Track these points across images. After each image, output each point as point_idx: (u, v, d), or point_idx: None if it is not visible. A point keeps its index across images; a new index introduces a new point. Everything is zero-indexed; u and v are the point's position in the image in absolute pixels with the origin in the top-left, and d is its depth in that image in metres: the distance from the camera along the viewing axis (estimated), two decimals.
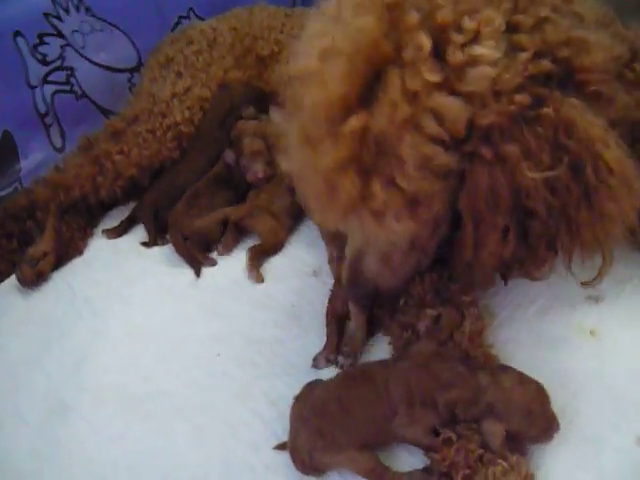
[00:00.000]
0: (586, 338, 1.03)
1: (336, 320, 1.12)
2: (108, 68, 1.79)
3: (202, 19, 1.86)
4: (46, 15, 1.64)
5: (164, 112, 1.56)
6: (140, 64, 1.81)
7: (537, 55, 0.74)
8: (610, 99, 0.78)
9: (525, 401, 0.89)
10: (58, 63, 1.70)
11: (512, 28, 0.74)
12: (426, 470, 0.91)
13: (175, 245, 1.41)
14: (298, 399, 0.99)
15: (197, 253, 1.40)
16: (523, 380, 0.91)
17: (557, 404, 0.92)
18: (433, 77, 0.70)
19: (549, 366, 0.98)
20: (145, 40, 1.79)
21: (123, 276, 1.42)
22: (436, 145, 0.72)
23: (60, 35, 1.68)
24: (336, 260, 1.16)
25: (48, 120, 1.72)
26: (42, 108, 1.70)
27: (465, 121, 0.72)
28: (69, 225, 1.51)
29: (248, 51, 1.69)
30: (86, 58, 1.74)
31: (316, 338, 1.13)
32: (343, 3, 0.78)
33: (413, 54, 0.70)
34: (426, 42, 0.70)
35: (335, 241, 1.16)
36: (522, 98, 0.73)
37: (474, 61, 0.71)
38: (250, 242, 1.43)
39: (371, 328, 1.11)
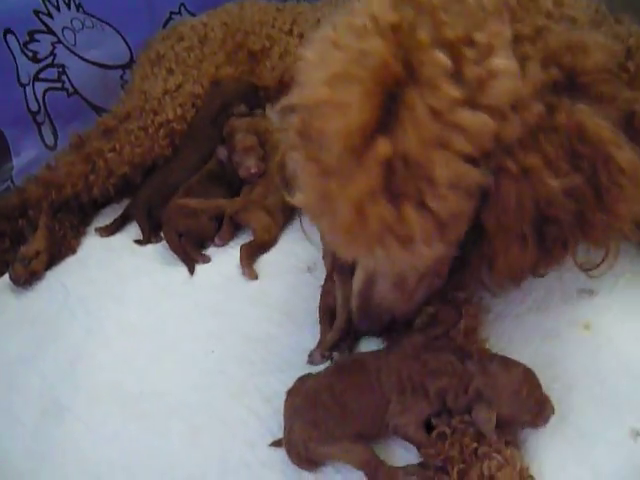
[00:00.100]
0: (580, 332, 1.04)
1: (329, 316, 1.12)
2: (100, 65, 1.79)
3: (193, 14, 1.85)
4: (36, 12, 1.63)
5: (156, 109, 1.55)
6: (132, 60, 1.81)
7: (543, 63, 0.74)
8: (613, 97, 0.78)
9: (512, 385, 0.89)
10: (49, 60, 1.70)
11: (515, 38, 0.74)
12: (422, 465, 0.91)
13: (169, 242, 1.41)
14: (290, 393, 0.99)
15: (191, 250, 1.40)
16: (509, 364, 0.92)
17: (551, 398, 0.92)
18: (455, 93, 0.68)
19: (543, 360, 0.98)
20: (137, 36, 1.78)
21: (117, 274, 1.42)
22: (466, 162, 0.71)
23: (51, 32, 1.67)
24: (330, 255, 1.15)
25: (40, 118, 1.72)
26: (33, 106, 1.70)
27: (491, 135, 0.71)
28: (62, 223, 1.51)
29: (239, 46, 1.69)
30: (77, 55, 1.74)
31: (310, 334, 1.13)
32: (339, 28, 0.76)
33: (431, 72, 0.69)
34: (444, 59, 0.68)
35: None
36: (538, 108, 0.73)
37: (494, 74, 0.70)
38: (243, 237, 1.43)
39: None
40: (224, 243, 1.42)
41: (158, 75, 1.62)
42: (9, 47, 1.60)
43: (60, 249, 1.48)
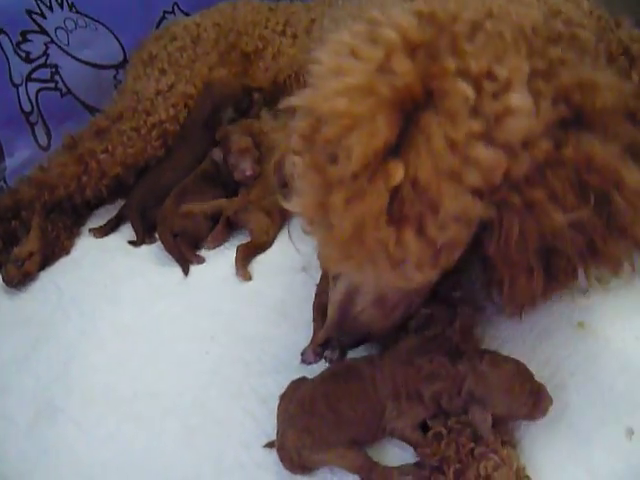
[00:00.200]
0: (575, 331, 1.04)
1: (323, 314, 1.11)
2: (93, 65, 1.78)
3: (187, 14, 1.84)
4: (29, 12, 1.62)
5: (148, 110, 1.54)
6: (125, 60, 1.79)
7: (554, 100, 0.74)
8: (618, 135, 0.78)
9: (502, 382, 0.89)
10: (42, 60, 1.69)
11: (531, 73, 0.73)
12: (418, 465, 0.91)
13: (164, 242, 1.40)
14: (283, 397, 0.99)
15: (186, 251, 1.40)
16: (499, 362, 0.91)
17: None
18: (473, 126, 0.68)
19: (538, 359, 0.99)
20: (130, 36, 1.77)
21: (111, 275, 1.41)
22: (474, 196, 0.71)
23: (44, 32, 1.66)
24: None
25: (33, 118, 1.71)
26: (27, 106, 1.69)
27: (502, 171, 0.71)
28: (55, 224, 1.50)
29: (232, 47, 1.68)
30: (70, 55, 1.73)
31: (306, 335, 1.12)
32: (359, 37, 0.75)
33: (453, 102, 0.68)
34: (468, 90, 0.68)
35: None
36: (546, 144, 0.73)
37: (510, 111, 0.69)
38: (239, 238, 1.43)
39: None
40: (216, 245, 1.42)
41: (150, 75, 1.61)
42: (2, 47, 1.60)
43: (53, 250, 1.48)
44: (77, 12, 1.69)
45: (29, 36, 1.64)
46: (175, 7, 1.85)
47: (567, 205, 0.75)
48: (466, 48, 0.71)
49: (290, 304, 1.22)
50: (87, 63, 1.76)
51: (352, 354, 1.06)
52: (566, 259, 0.80)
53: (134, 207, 1.50)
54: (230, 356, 1.16)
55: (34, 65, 1.67)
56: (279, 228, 1.41)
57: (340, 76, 0.72)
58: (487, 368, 0.90)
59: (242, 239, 1.40)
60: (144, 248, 1.46)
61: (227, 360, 1.16)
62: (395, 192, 0.69)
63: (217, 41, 1.67)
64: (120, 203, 1.58)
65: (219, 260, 1.40)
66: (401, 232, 0.70)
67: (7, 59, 1.62)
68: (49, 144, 1.75)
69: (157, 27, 1.82)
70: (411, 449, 0.93)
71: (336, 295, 1.00)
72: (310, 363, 1.08)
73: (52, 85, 1.72)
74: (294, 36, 1.66)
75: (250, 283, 1.31)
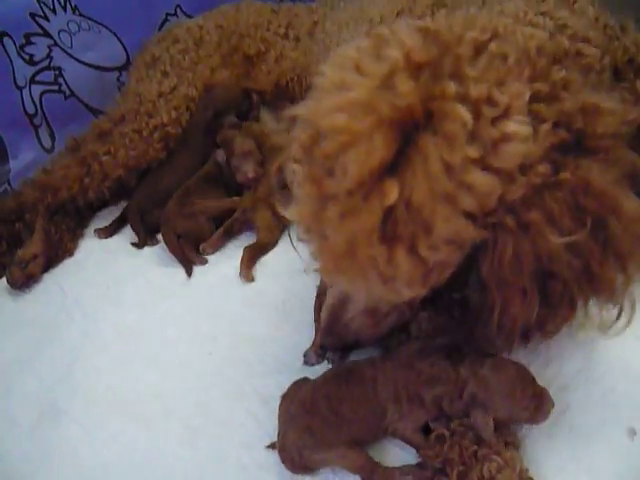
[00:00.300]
0: (576, 332, 1.03)
1: None
2: (96, 67, 1.78)
3: (190, 16, 1.85)
4: (32, 15, 1.62)
5: (150, 112, 1.55)
6: (128, 62, 1.80)
7: (555, 125, 0.74)
8: (617, 161, 0.78)
9: (504, 387, 0.89)
10: (45, 63, 1.69)
11: (533, 97, 0.74)
12: (420, 466, 0.92)
13: (168, 244, 1.41)
14: (285, 398, 0.99)
15: (189, 252, 1.40)
16: (500, 365, 0.91)
17: None
18: (470, 152, 0.68)
19: (539, 360, 0.99)
20: (133, 38, 1.78)
21: (114, 277, 1.42)
22: (467, 219, 0.71)
23: (47, 35, 1.66)
24: None
25: (36, 120, 1.71)
26: (30, 109, 1.69)
27: (497, 197, 0.71)
28: (58, 226, 1.51)
29: (235, 50, 1.69)
30: (74, 57, 1.73)
31: (308, 336, 1.13)
32: (364, 53, 0.75)
33: (451, 127, 0.68)
34: (466, 116, 0.68)
35: None
36: (544, 168, 0.73)
37: (507, 137, 0.70)
38: (241, 239, 1.44)
39: None
40: (214, 251, 1.42)
41: (153, 78, 1.62)
42: (5, 50, 1.60)
43: (57, 252, 1.48)
44: (80, 15, 1.69)
45: (33, 39, 1.64)
46: (178, 9, 1.86)
47: (564, 228, 0.75)
48: (468, 72, 0.71)
49: (292, 305, 1.22)
50: (90, 65, 1.76)
51: (354, 356, 1.06)
52: (563, 284, 0.80)
53: (134, 210, 1.51)
54: (232, 357, 1.16)
55: (38, 68, 1.68)
56: (283, 228, 1.41)
57: (342, 90, 0.72)
58: (489, 372, 0.90)
59: (243, 242, 1.41)
60: (147, 250, 1.47)
61: (229, 361, 1.16)
62: (389, 211, 0.69)
63: (220, 43, 1.67)
64: (123, 205, 1.59)
65: (222, 262, 1.40)
66: (393, 251, 0.70)
67: (11, 62, 1.62)
68: (53, 146, 1.75)
69: (159, 29, 1.83)
70: (413, 450, 0.94)
71: (329, 300, 1.01)
72: (312, 364, 1.08)
73: (56, 87, 1.73)
74: (296, 39, 1.66)
75: (252, 284, 1.31)
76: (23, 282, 1.40)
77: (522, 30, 0.82)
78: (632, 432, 0.91)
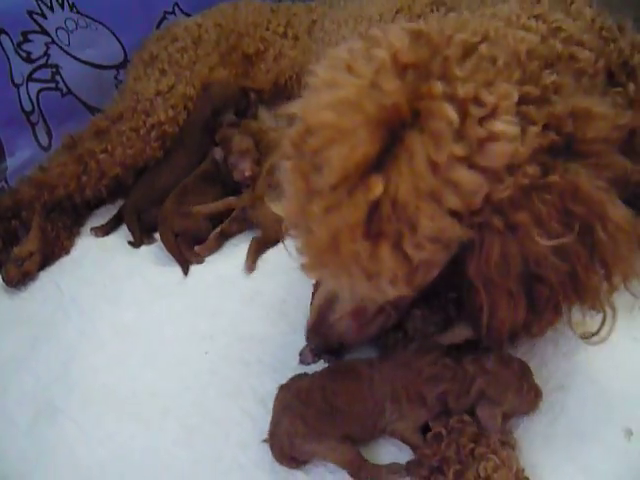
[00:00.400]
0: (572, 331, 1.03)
1: None
2: (94, 65, 1.78)
3: (188, 15, 1.84)
4: (30, 13, 1.62)
5: (148, 111, 1.55)
6: (126, 60, 1.79)
7: (545, 127, 0.74)
8: (608, 165, 0.79)
9: (513, 380, 0.91)
10: (43, 61, 1.69)
11: (522, 99, 0.74)
12: (413, 463, 0.92)
13: (165, 242, 1.40)
14: (282, 388, 0.99)
15: (185, 250, 1.40)
16: (506, 360, 0.93)
17: (544, 398, 0.93)
18: (456, 150, 0.68)
19: (536, 360, 0.99)
20: (131, 36, 1.77)
21: (111, 275, 1.42)
22: (452, 217, 0.71)
23: (45, 33, 1.66)
24: None
25: (34, 118, 1.71)
26: (27, 106, 1.69)
27: (483, 196, 0.71)
28: (55, 224, 1.51)
29: (233, 48, 1.68)
30: (71, 55, 1.73)
31: (304, 334, 1.13)
32: (356, 54, 0.76)
33: (437, 125, 0.68)
34: (452, 114, 0.68)
35: None
36: (532, 170, 0.73)
37: (494, 137, 0.70)
38: (239, 237, 1.44)
39: None
40: (207, 254, 1.42)
41: (151, 76, 1.61)
42: (3, 47, 1.60)
43: (53, 250, 1.48)
44: (78, 12, 1.69)
45: (30, 36, 1.64)
46: (176, 7, 1.85)
47: (551, 231, 0.75)
48: (456, 72, 0.72)
49: (289, 304, 1.22)
50: (88, 63, 1.76)
51: (351, 356, 1.06)
52: (549, 288, 0.80)
53: (130, 209, 1.51)
54: (229, 356, 1.16)
55: (35, 65, 1.68)
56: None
57: (333, 89, 0.73)
58: (496, 367, 0.91)
59: (240, 241, 1.41)
60: (144, 248, 1.47)
61: (226, 360, 1.16)
62: (374, 207, 0.69)
63: (218, 42, 1.67)
64: (120, 203, 1.59)
65: (219, 261, 1.40)
66: (377, 247, 0.71)
67: (8, 59, 1.62)
68: (50, 144, 1.75)
69: (158, 27, 1.82)
70: (408, 449, 0.94)
71: (316, 300, 1.01)
72: (308, 363, 1.08)
73: (53, 85, 1.73)
74: (295, 37, 1.66)
75: (249, 283, 1.31)
76: (19, 280, 1.40)
77: (513, 33, 0.82)
78: (629, 432, 0.91)
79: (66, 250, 1.51)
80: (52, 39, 1.68)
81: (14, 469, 1.08)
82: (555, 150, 0.75)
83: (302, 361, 1.09)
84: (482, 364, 0.91)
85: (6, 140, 1.67)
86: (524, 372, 0.93)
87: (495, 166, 0.70)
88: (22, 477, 1.06)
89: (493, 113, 0.71)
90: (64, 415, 1.13)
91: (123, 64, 1.80)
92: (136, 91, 1.59)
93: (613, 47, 0.94)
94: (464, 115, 0.69)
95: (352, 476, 0.92)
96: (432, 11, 1.24)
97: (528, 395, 0.91)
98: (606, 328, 0.84)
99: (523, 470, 0.88)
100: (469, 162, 0.69)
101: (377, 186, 0.68)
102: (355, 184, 0.69)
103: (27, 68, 1.66)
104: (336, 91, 0.72)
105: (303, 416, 0.93)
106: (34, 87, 1.69)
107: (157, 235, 1.45)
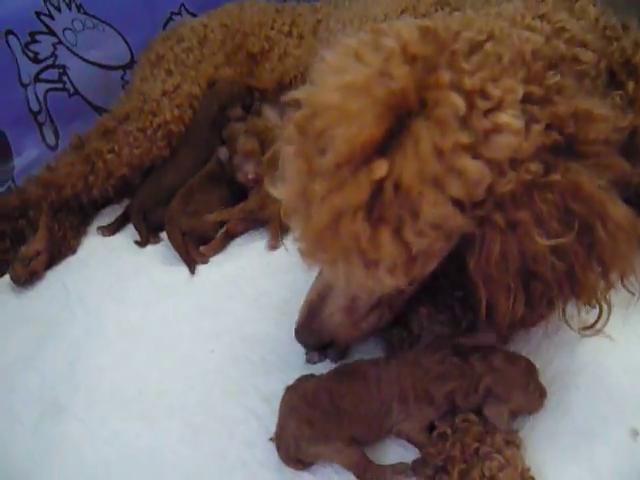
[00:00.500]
0: (579, 331, 1.03)
1: None
2: (101, 65, 1.78)
3: (194, 15, 1.86)
4: (37, 14, 1.63)
5: (154, 111, 1.55)
6: (133, 61, 1.81)
7: (547, 127, 0.75)
8: (608, 167, 0.79)
9: (520, 379, 0.91)
10: (50, 61, 1.70)
11: (526, 98, 0.74)
12: (419, 463, 0.92)
13: (173, 241, 1.40)
14: (289, 389, 0.99)
15: (191, 250, 1.40)
16: (513, 358, 0.93)
17: (549, 397, 0.93)
18: (464, 138, 0.69)
19: (542, 359, 0.98)
20: (137, 37, 1.79)
21: (117, 274, 1.42)
22: (455, 206, 0.71)
23: (52, 33, 1.67)
24: None
25: (41, 118, 1.72)
26: (35, 106, 1.70)
27: (486, 186, 0.72)
28: (62, 224, 1.51)
29: (239, 48, 1.69)
30: (78, 56, 1.74)
31: None
32: (364, 44, 0.76)
33: (444, 112, 0.69)
34: (461, 104, 0.69)
35: None
36: (535, 167, 0.73)
37: (499, 129, 0.71)
38: (244, 237, 1.44)
39: None
40: (212, 254, 1.42)
41: (157, 76, 1.62)
42: (10, 48, 1.61)
43: (60, 249, 1.49)
44: (85, 13, 1.70)
45: (37, 37, 1.65)
46: (182, 8, 1.87)
47: (551, 230, 0.75)
48: (463, 65, 0.72)
49: (294, 304, 1.20)
50: (95, 64, 1.77)
51: (358, 356, 1.06)
52: (545, 285, 0.80)
53: (137, 208, 1.51)
54: (234, 355, 1.16)
55: (42, 66, 1.68)
56: None
57: (340, 74, 0.74)
58: (504, 365, 0.91)
59: (246, 241, 1.42)
60: (150, 248, 1.47)
61: (231, 359, 1.16)
62: (377, 190, 0.69)
63: (224, 42, 1.68)
64: (126, 202, 1.60)
65: (225, 260, 1.40)
66: (377, 231, 0.70)
67: (16, 60, 1.62)
68: (57, 144, 1.75)
69: (164, 28, 1.84)
70: (414, 448, 0.94)
71: (309, 296, 1.01)
72: (314, 362, 1.08)
73: (60, 85, 1.73)
74: (300, 37, 1.67)
75: (254, 283, 1.31)
76: (26, 279, 1.41)
77: (518, 33, 0.83)
78: (635, 432, 0.91)
79: (73, 249, 1.51)
80: (59, 40, 1.69)
81: (20, 468, 1.08)
82: (557, 150, 0.76)
83: (308, 360, 1.09)
84: (489, 362, 0.91)
85: (13, 140, 1.67)
86: (530, 370, 0.93)
87: (499, 158, 0.71)
88: (28, 476, 1.06)
89: (498, 106, 0.71)
90: (70, 414, 1.13)
91: (130, 64, 1.81)
92: (143, 91, 1.60)
93: (616, 46, 0.95)
94: (470, 107, 0.70)
95: (358, 478, 0.92)
96: (437, 11, 1.24)
97: (534, 394, 0.91)
98: (601, 322, 0.85)
99: (528, 469, 0.88)
100: (474, 152, 0.70)
101: (381, 167, 0.68)
102: (359, 165, 0.69)
103: (34, 68, 1.67)
104: (344, 76, 0.73)
105: (309, 419, 0.93)
106: (41, 87, 1.70)
107: (163, 234, 1.46)
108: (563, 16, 0.91)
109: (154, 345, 1.23)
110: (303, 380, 1.00)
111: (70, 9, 1.68)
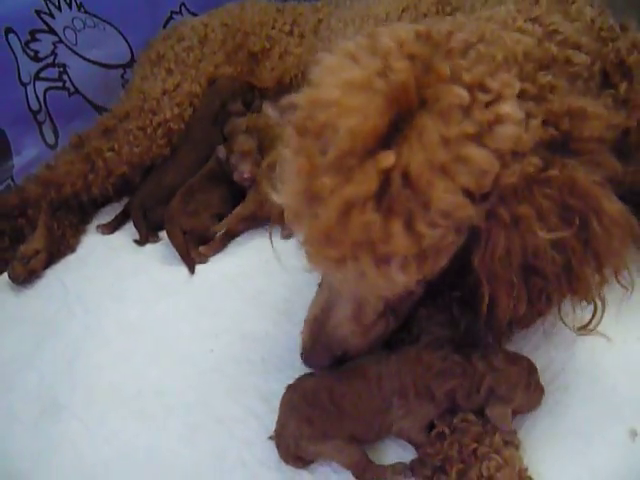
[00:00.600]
0: (577, 332, 1.03)
1: None
2: (101, 64, 1.79)
3: (194, 14, 1.86)
4: (38, 12, 1.63)
5: (154, 109, 1.56)
6: (133, 60, 1.81)
7: (544, 122, 0.76)
8: (600, 164, 0.80)
9: (522, 378, 0.91)
10: (50, 60, 1.70)
11: (520, 95, 0.75)
12: (417, 462, 0.92)
13: (174, 239, 1.40)
14: (289, 388, 0.99)
15: (191, 249, 1.40)
16: (514, 358, 0.93)
17: (547, 398, 0.93)
18: (469, 128, 0.69)
19: (541, 360, 0.98)
20: (138, 36, 1.79)
21: (116, 273, 1.42)
22: (464, 196, 0.71)
23: (52, 32, 1.67)
24: None
25: (40, 117, 1.72)
26: (34, 105, 1.70)
27: (493, 176, 0.72)
28: (61, 222, 1.51)
29: (239, 47, 1.70)
30: (78, 55, 1.74)
31: None
32: (360, 47, 0.77)
33: (447, 103, 0.69)
34: (462, 93, 0.70)
35: None
36: (536, 161, 0.74)
37: (501, 119, 0.71)
38: (243, 236, 1.44)
39: None
40: (212, 254, 1.42)
41: (157, 75, 1.63)
42: (10, 46, 1.61)
43: (59, 248, 1.49)
44: (85, 12, 1.70)
45: (38, 35, 1.65)
46: (182, 7, 1.87)
47: (551, 224, 0.76)
48: (460, 62, 0.73)
49: (293, 303, 1.21)
50: (95, 63, 1.77)
51: None
52: (544, 280, 0.81)
53: (136, 206, 1.51)
54: (233, 354, 1.16)
55: (42, 64, 1.69)
56: None
57: (339, 73, 0.74)
58: (505, 365, 0.91)
59: (245, 240, 1.42)
60: (149, 246, 1.47)
61: (230, 358, 1.16)
62: (385, 182, 0.69)
63: (224, 41, 1.68)
64: (126, 201, 1.60)
65: (224, 259, 1.40)
66: (388, 221, 0.70)
67: (16, 58, 1.63)
68: (56, 143, 1.76)
69: (164, 27, 1.84)
70: (412, 448, 0.94)
71: (312, 312, 0.99)
72: None
73: (60, 84, 1.73)
74: (301, 36, 1.67)
75: (253, 282, 1.31)
76: (25, 277, 1.41)
77: (509, 35, 0.84)
78: (633, 433, 0.91)
79: (72, 248, 1.51)
80: (59, 38, 1.69)
81: (19, 467, 1.07)
82: (554, 146, 0.77)
83: None
84: (490, 361, 0.91)
85: (13, 139, 1.68)
86: (531, 370, 0.93)
87: (503, 148, 0.71)
88: (27, 474, 1.06)
89: (498, 98, 0.72)
90: (68, 413, 1.13)
91: (130, 63, 1.81)
92: (143, 90, 1.60)
93: (611, 47, 0.95)
94: (471, 99, 0.70)
95: (357, 477, 0.92)
96: (437, 10, 1.25)
97: (535, 393, 0.92)
98: (595, 321, 0.86)
99: (526, 469, 0.88)
100: (479, 142, 0.70)
101: (388, 157, 0.68)
102: (364, 156, 0.69)
103: (34, 67, 1.67)
104: (343, 74, 0.73)
105: (309, 418, 0.93)
106: (41, 86, 1.70)
107: (162, 233, 1.46)
108: (556, 19, 0.92)
109: (153, 344, 1.23)
110: (303, 379, 1.00)
111: (71, 8, 1.68)
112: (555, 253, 0.78)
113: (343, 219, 0.71)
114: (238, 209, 1.45)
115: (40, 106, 1.70)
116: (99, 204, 1.62)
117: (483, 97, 0.71)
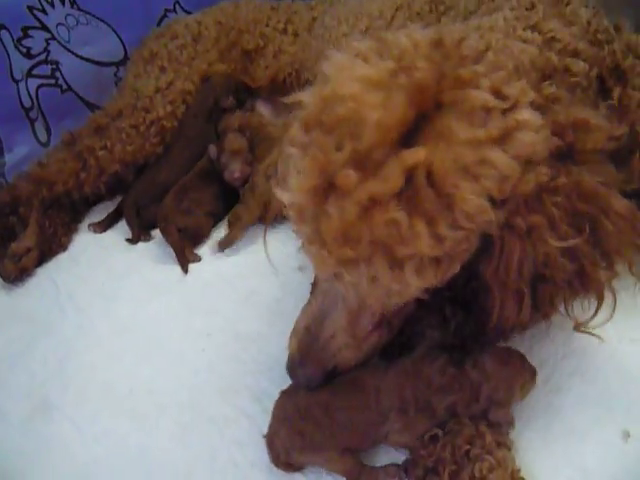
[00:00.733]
0: (570, 332, 1.03)
1: None
2: (94, 62, 1.78)
3: (188, 12, 1.85)
4: (30, 9, 1.62)
5: (147, 107, 1.55)
6: (126, 57, 1.80)
7: (552, 133, 0.75)
8: (601, 174, 0.80)
9: (516, 377, 0.90)
10: (43, 57, 1.69)
11: (530, 105, 0.75)
12: (409, 464, 0.91)
13: (169, 236, 1.40)
14: (284, 394, 0.98)
15: (185, 248, 1.40)
16: (505, 357, 0.92)
17: (540, 399, 0.93)
18: (494, 131, 0.69)
19: (535, 360, 0.97)
20: (131, 33, 1.78)
21: (108, 272, 1.41)
22: (487, 200, 0.70)
23: (45, 29, 1.66)
24: None
25: (33, 114, 1.71)
26: (27, 102, 1.69)
27: (513, 183, 0.71)
28: (53, 220, 1.51)
29: (233, 45, 1.69)
30: (71, 52, 1.73)
31: None
32: (369, 49, 0.76)
33: (473, 106, 0.69)
34: (489, 97, 0.70)
35: None
36: (547, 170, 0.74)
37: (520, 125, 0.71)
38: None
39: None
40: (228, 247, 1.41)
41: (151, 73, 1.62)
42: (3, 43, 1.60)
43: (51, 246, 1.48)
44: (78, 9, 1.70)
45: (30, 32, 1.64)
46: (176, 5, 1.86)
47: (562, 233, 0.76)
48: (475, 68, 0.73)
49: (286, 303, 1.21)
50: (88, 60, 1.76)
51: None
52: (553, 286, 0.80)
53: (129, 204, 1.51)
54: (226, 354, 1.16)
55: (35, 61, 1.68)
56: None
57: (353, 69, 0.72)
58: (498, 367, 0.90)
59: (241, 240, 1.41)
60: (142, 245, 1.46)
61: (222, 358, 1.16)
62: (410, 181, 0.67)
63: (218, 39, 1.68)
64: (118, 199, 1.59)
65: (217, 259, 1.40)
66: (413, 221, 0.67)
67: (8, 55, 1.62)
68: (49, 140, 1.75)
69: (158, 25, 1.83)
70: (405, 450, 0.93)
71: (301, 323, 0.94)
72: None
73: (52, 81, 1.73)
74: (295, 34, 1.67)
75: (246, 282, 1.31)
76: (16, 276, 1.40)
77: (514, 44, 0.84)
78: (626, 434, 0.91)
79: (63, 247, 1.51)
80: (52, 35, 1.68)
81: (9, 466, 1.07)
82: (561, 157, 0.77)
83: None
84: (483, 367, 0.90)
85: (5, 136, 1.67)
86: (523, 364, 0.92)
87: (522, 155, 0.71)
88: (17, 474, 1.05)
89: (516, 105, 0.72)
90: (60, 412, 1.13)
91: (123, 61, 1.81)
92: (136, 88, 1.59)
93: (607, 50, 0.95)
94: (493, 104, 0.70)
95: None
96: (431, 9, 1.24)
97: (528, 383, 0.91)
98: (605, 315, 0.85)
99: (519, 470, 0.88)
100: (502, 146, 0.70)
101: (415, 154, 0.66)
102: (391, 151, 0.67)
103: (27, 64, 1.66)
104: (357, 70, 0.72)
105: (301, 431, 0.91)
106: (33, 83, 1.69)
107: (155, 232, 1.46)
108: (554, 25, 0.92)
109: (145, 343, 1.22)
110: (298, 387, 0.98)
111: (64, 5, 1.67)
112: (566, 260, 0.77)
113: (364, 216, 0.68)
114: (245, 219, 1.42)
115: (32, 103, 1.70)
116: (91, 202, 1.61)
117: (500, 104, 0.71)
